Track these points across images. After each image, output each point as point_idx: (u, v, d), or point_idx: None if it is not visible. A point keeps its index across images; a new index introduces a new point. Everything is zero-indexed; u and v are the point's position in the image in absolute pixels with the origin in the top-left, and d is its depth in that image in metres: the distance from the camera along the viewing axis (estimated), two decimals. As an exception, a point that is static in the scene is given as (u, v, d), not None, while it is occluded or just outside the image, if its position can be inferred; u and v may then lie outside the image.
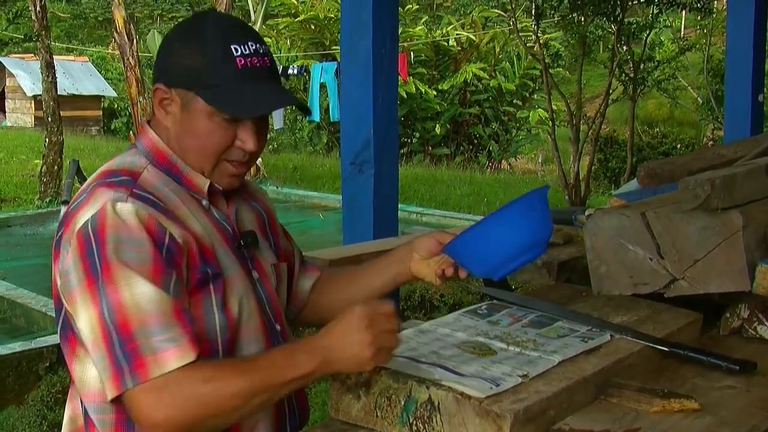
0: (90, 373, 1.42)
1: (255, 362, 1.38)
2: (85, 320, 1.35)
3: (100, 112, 25.34)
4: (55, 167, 11.70)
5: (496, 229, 1.52)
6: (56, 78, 11.96)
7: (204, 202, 1.53)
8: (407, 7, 20.44)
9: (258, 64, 1.47)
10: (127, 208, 1.38)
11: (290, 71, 14.88)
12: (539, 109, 18.60)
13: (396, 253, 1.73)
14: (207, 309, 1.45)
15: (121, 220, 1.37)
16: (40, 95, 12.91)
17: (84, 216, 1.40)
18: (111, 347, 1.32)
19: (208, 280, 1.45)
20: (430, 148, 19.48)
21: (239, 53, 1.45)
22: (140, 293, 1.33)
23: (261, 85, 1.48)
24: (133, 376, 1.30)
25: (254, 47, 1.47)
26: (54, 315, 1.51)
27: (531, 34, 12.89)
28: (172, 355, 1.31)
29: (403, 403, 1.35)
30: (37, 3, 11.34)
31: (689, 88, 19.10)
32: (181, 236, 1.42)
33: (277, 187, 12.36)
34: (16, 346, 4.83)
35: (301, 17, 18.99)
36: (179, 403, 1.30)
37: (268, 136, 1.89)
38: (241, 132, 1.49)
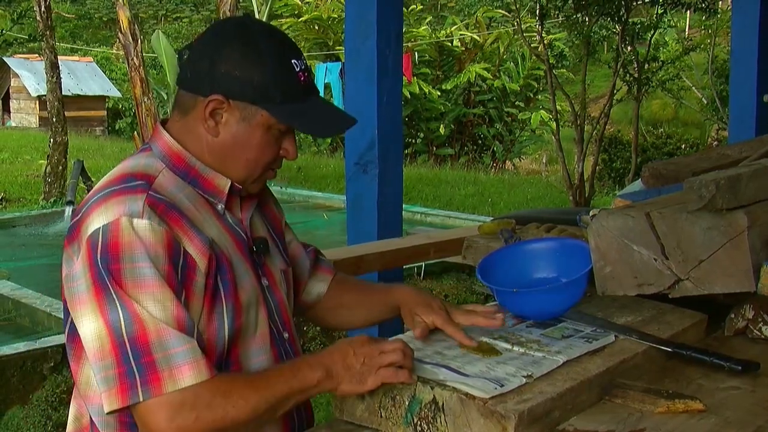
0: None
1: (266, 376, 1.40)
2: (90, 329, 1.35)
3: (105, 113, 25.38)
4: (60, 167, 11.73)
5: (556, 295, 1.66)
6: (61, 78, 11.98)
7: (219, 207, 1.52)
8: (411, 8, 20.43)
9: (312, 79, 1.50)
10: (143, 225, 1.36)
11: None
12: (541, 111, 18.58)
13: (397, 302, 1.74)
14: (218, 318, 1.44)
15: (138, 236, 1.36)
16: (45, 95, 12.94)
17: (95, 222, 1.38)
18: (121, 359, 1.32)
19: (220, 289, 1.45)
20: (435, 148, 19.47)
21: (299, 68, 1.47)
22: (157, 309, 1.34)
23: (317, 99, 1.51)
24: (146, 390, 1.31)
25: (304, 62, 1.50)
26: (58, 315, 1.52)
27: (535, 34, 12.86)
28: (187, 371, 1.33)
29: (407, 403, 1.35)
30: (42, 3, 11.37)
31: (694, 88, 19.06)
32: (197, 249, 1.41)
33: (281, 188, 12.37)
34: (21, 346, 4.83)
35: (305, 17, 19.00)
36: (194, 417, 1.32)
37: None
38: (286, 142, 1.52)
